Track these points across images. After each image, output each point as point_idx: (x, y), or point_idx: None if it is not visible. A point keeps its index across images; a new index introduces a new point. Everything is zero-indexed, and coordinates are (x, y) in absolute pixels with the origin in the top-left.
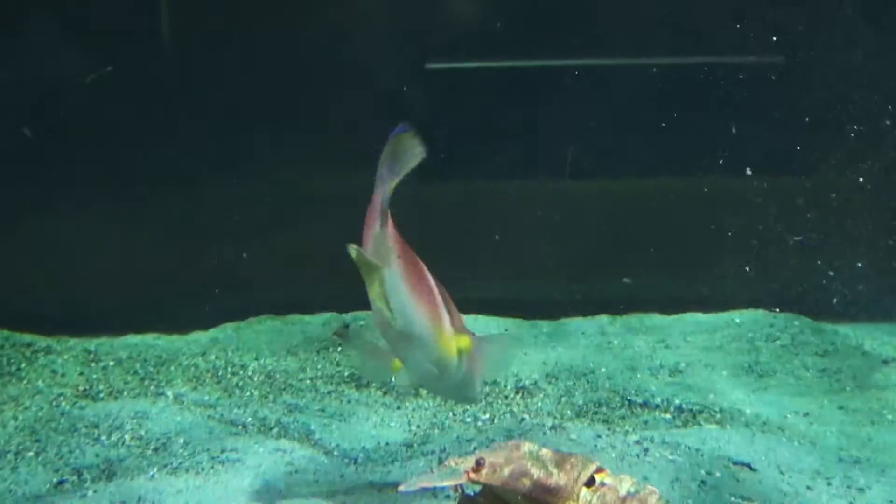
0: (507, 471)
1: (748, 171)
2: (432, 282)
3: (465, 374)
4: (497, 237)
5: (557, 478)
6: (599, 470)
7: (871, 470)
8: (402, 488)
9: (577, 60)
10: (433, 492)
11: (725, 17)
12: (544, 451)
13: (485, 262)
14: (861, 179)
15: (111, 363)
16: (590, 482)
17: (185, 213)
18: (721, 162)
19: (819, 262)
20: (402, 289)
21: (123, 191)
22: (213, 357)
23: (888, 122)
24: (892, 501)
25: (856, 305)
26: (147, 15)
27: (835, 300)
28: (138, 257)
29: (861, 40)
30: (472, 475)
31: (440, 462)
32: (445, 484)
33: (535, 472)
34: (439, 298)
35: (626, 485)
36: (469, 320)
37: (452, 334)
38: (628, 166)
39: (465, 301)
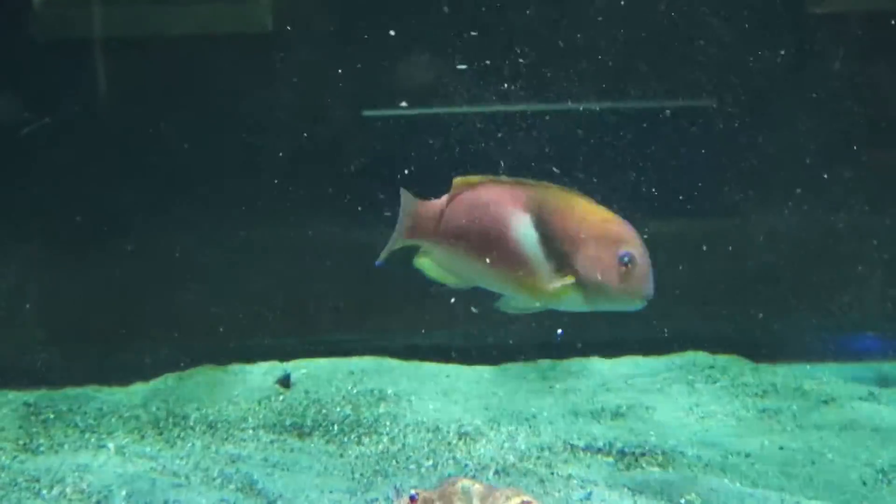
0: None
1: (687, 211)
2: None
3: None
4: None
5: None
6: (527, 503)
7: None
8: None
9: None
10: None
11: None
12: (477, 485)
13: (421, 309)
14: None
15: (51, 416)
16: None
17: (123, 264)
18: (659, 203)
19: (757, 304)
20: None
21: (61, 241)
22: (153, 408)
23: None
24: None
25: (794, 346)
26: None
27: (773, 341)
28: (77, 309)
29: None
30: None
31: None
32: None
33: None
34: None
35: None
36: (412, 368)
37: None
38: None
39: (405, 349)
